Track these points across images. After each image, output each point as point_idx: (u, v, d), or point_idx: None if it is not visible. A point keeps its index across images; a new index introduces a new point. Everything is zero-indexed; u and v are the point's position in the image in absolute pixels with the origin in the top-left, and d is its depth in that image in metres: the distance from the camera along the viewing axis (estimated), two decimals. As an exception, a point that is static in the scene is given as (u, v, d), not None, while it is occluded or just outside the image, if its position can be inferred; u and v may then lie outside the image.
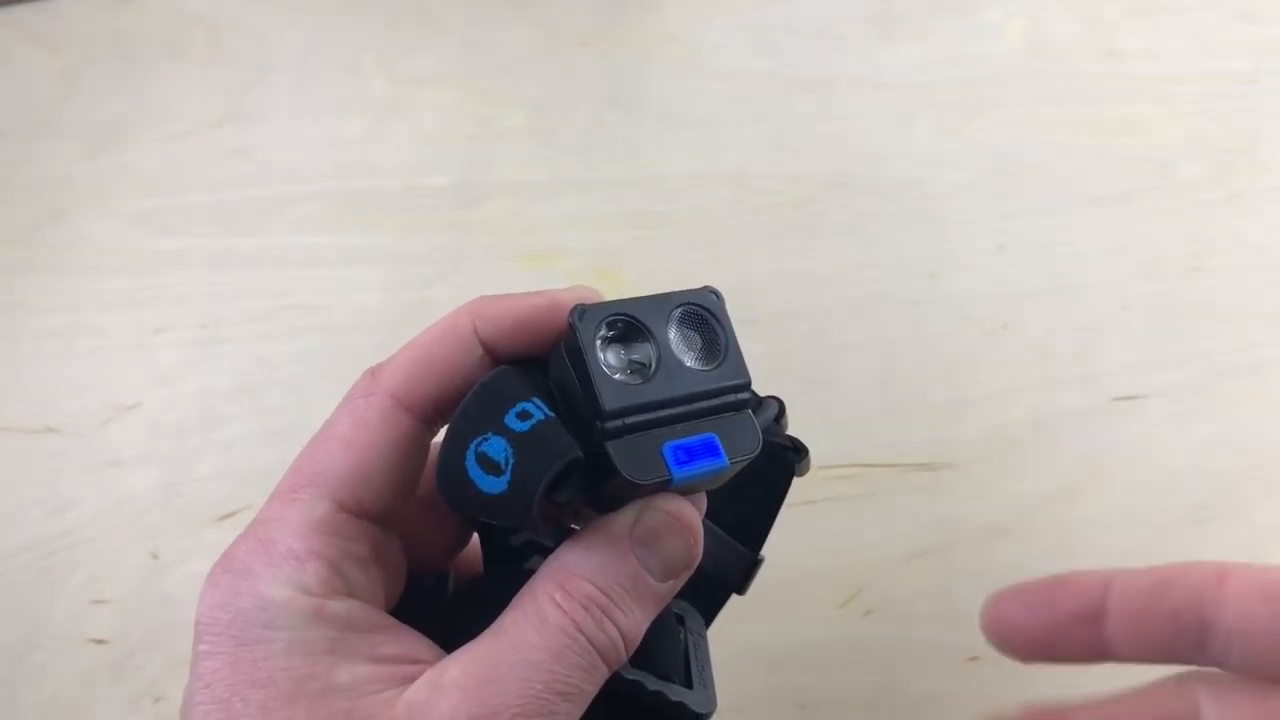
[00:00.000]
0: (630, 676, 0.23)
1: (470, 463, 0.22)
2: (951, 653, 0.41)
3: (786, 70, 0.61)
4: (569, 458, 0.21)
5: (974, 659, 0.41)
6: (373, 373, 0.24)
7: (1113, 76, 0.60)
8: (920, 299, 0.51)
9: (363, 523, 0.23)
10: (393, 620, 0.23)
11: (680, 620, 0.27)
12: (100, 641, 0.43)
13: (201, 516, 0.46)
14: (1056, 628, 0.25)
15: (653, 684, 0.24)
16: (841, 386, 0.48)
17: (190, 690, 0.21)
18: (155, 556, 0.45)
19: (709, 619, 0.29)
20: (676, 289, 0.23)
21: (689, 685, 0.25)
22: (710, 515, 0.28)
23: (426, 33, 0.63)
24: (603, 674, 0.22)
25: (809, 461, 0.28)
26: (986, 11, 0.63)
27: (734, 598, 0.29)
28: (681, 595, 0.26)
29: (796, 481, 0.28)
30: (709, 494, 0.29)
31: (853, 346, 0.50)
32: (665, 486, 0.21)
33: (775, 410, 0.27)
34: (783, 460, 0.27)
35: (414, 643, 0.22)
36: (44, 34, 0.64)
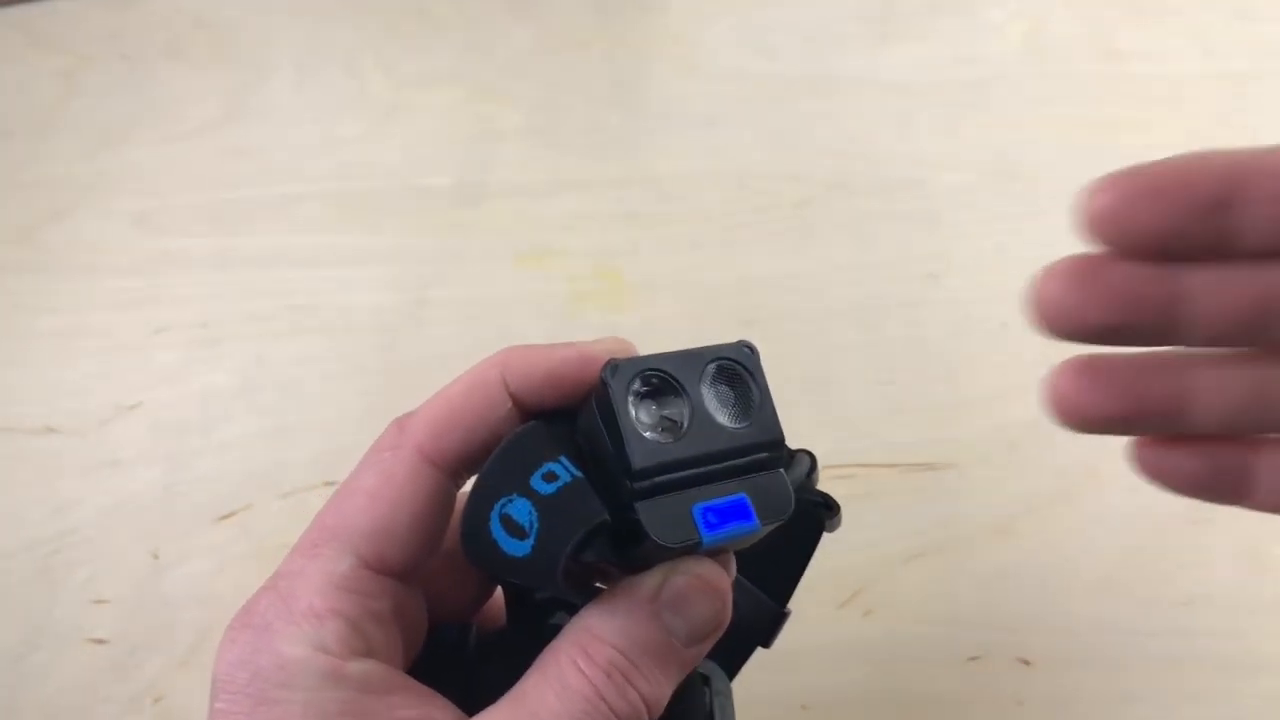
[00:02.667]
0: None
1: (494, 524, 0.21)
2: (951, 653, 0.41)
3: (786, 70, 0.61)
4: (594, 523, 0.20)
5: (974, 659, 0.41)
6: (399, 424, 0.24)
7: (1113, 76, 0.59)
8: (920, 299, 0.51)
9: (385, 580, 0.23)
10: (412, 681, 0.23)
11: (705, 681, 0.26)
12: (100, 641, 0.43)
13: (201, 516, 0.46)
14: (1180, 217, 0.20)
15: None
16: (841, 386, 0.48)
17: None
18: (155, 556, 0.45)
19: (733, 672, 0.28)
20: (710, 343, 0.22)
21: None
22: (738, 565, 0.28)
23: (426, 33, 0.63)
24: None
25: (840, 518, 0.27)
26: (987, 11, 0.63)
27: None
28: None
29: None
30: None
31: (853, 346, 0.50)
32: (694, 550, 0.21)
33: (807, 466, 0.27)
34: (813, 516, 0.27)
35: (432, 706, 0.22)
36: (45, 34, 0.64)
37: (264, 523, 0.45)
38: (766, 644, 0.28)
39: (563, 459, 0.21)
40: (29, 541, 0.45)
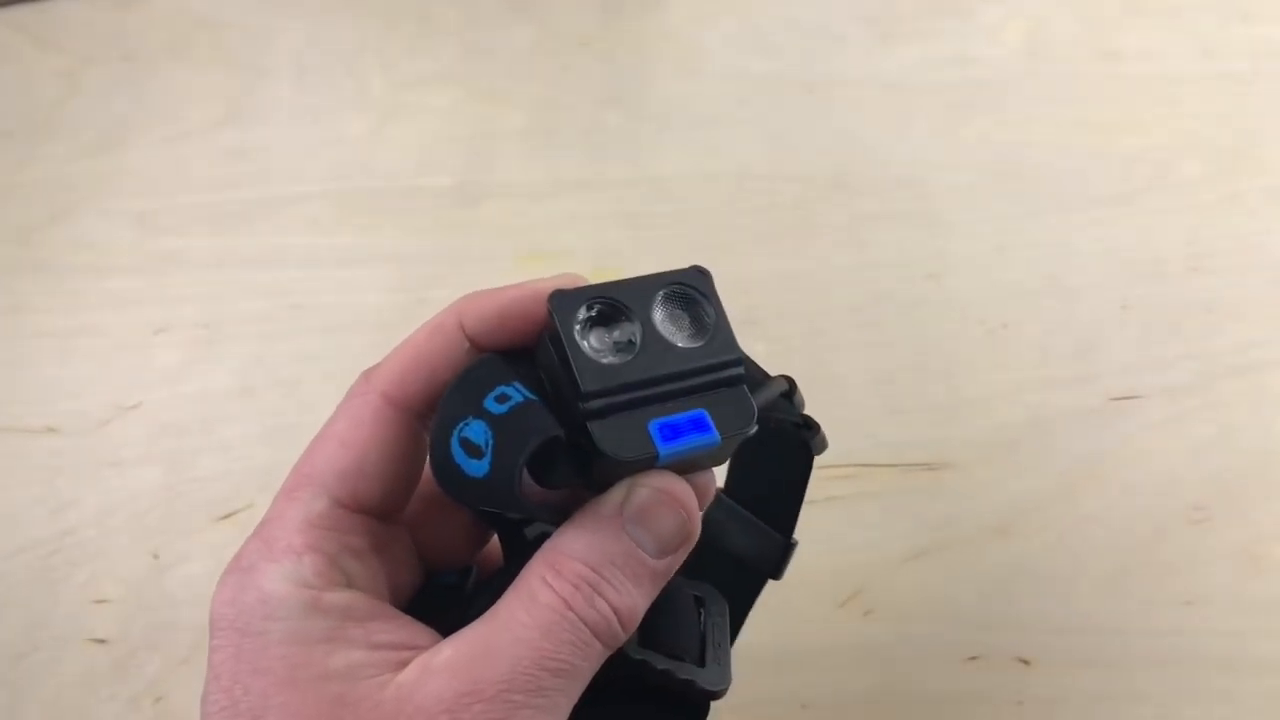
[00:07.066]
0: (636, 656, 0.23)
1: (455, 448, 0.22)
2: (951, 653, 0.41)
3: (786, 70, 0.61)
4: (546, 436, 0.21)
5: (974, 659, 0.41)
6: (367, 374, 0.25)
7: (1113, 76, 0.60)
8: (920, 299, 0.51)
9: (361, 517, 0.24)
10: (393, 610, 0.23)
11: (700, 602, 0.27)
12: (100, 641, 0.43)
13: (201, 516, 0.46)
14: None
15: (661, 663, 0.24)
16: (841, 386, 0.48)
17: (205, 683, 0.22)
18: (155, 556, 0.45)
19: (746, 606, 0.29)
20: (664, 270, 0.23)
21: (702, 664, 0.25)
22: (739, 500, 0.28)
23: (427, 33, 0.63)
24: (598, 651, 0.22)
25: (824, 437, 0.27)
26: (986, 12, 0.63)
27: None
28: (717, 583, 0.26)
29: None
30: (734, 479, 0.29)
31: (853, 346, 0.50)
32: (652, 463, 0.22)
33: (784, 387, 0.27)
34: (795, 438, 0.27)
35: (412, 630, 0.23)
36: (45, 34, 0.64)
37: (264, 523, 0.45)
38: (777, 575, 0.28)
39: (515, 383, 0.22)
40: (29, 541, 0.45)
